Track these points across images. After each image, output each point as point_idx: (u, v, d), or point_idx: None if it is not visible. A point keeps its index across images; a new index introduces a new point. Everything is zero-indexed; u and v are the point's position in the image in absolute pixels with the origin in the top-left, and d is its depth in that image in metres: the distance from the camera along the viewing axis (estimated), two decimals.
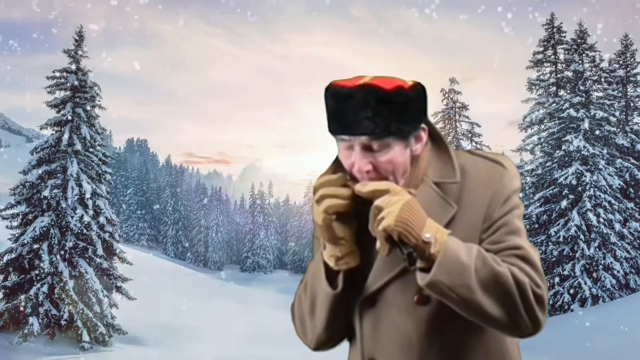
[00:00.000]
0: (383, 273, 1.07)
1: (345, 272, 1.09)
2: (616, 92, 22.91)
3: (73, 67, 16.62)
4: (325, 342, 1.16)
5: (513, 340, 1.14)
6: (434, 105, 26.69)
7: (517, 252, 1.01)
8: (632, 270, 19.81)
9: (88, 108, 16.73)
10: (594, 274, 19.23)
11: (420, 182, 1.08)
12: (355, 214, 1.07)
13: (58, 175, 15.80)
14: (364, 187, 1.01)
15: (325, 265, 1.09)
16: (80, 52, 16.78)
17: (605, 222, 19.47)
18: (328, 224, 1.04)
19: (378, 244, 1.00)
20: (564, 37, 23.08)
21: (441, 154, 1.11)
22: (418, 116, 1.04)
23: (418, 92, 1.03)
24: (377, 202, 0.98)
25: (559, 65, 22.94)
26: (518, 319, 0.98)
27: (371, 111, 0.99)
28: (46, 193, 15.17)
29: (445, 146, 1.12)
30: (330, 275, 1.09)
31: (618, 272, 19.11)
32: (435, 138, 1.13)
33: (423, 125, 1.07)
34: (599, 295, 18.76)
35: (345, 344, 1.22)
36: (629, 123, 23.14)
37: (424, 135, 1.08)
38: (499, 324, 0.98)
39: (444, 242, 0.96)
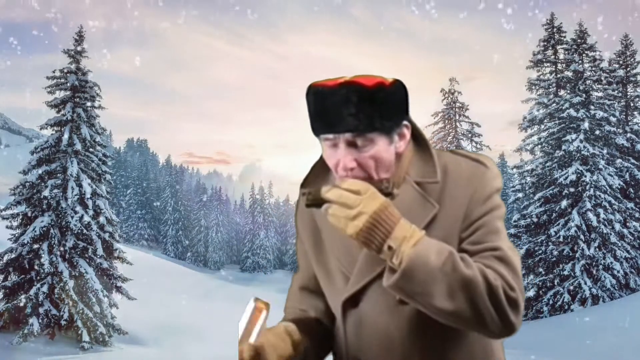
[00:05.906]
0: (365, 273, 1.08)
1: (331, 271, 1.11)
2: (616, 92, 22.90)
3: (73, 67, 16.62)
4: None
5: (497, 340, 1.14)
6: (434, 105, 26.71)
7: (495, 253, 1.01)
8: (632, 270, 19.80)
9: (88, 108, 16.73)
10: (594, 274, 19.24)
11: (403, 182, 1.09)
12: None
13: (58, 175, 15.80)
14: (331, 191, 0.99)
15: None
16: (80, 49, 16.78)
17: (605, 222, 19.46)
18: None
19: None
20: (564, 37, 23.07)
21: (423, 153, 1.12)
22: (400, 112, 1.06)
23: (398, 88, 1.05)
24: (346, 201, 0.97)
25: (559, 65, 22.93)
26: (488, 322, 0.96)
27: (354, 108, 1.00)
28: (46, 193, 15.17)
29: (427, 146, 1.13)
30: None
31: (618, 272, 19.10)
32: (418, 138, 1.14)
33: (406, 123, 1.08)
34: (599, 295, 18.75)
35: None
36: (629, 123, 23.13)
37: (407, 133, 1.09)
38: (468, 326, 0.98)
39: (410, 254, 0.95)
